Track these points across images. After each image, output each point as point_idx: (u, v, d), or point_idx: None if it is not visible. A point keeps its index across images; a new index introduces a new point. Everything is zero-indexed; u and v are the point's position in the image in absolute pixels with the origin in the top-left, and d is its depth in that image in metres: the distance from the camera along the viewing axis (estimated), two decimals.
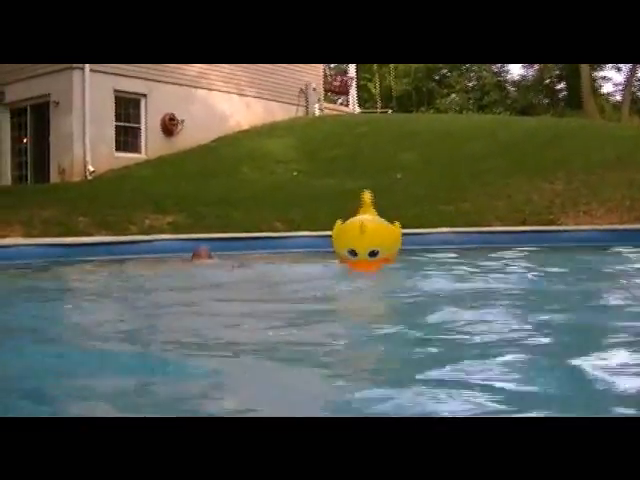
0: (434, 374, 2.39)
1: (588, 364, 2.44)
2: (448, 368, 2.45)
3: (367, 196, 6.16)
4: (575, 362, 2.47)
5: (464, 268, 6.54)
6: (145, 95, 18.59)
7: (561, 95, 36.68)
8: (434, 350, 2.87)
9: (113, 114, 17.93)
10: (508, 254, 8.15)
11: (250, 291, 5.36)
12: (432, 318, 3.63)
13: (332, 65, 31.42)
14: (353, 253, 5.96)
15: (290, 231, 10.78)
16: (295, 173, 16.64)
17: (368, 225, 5.89)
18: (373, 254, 5.92)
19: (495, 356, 2.61)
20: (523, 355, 2.66)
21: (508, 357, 2.60)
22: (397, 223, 6.11)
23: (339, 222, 6.15)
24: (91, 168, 16.97)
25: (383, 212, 6.24)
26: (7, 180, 18.62)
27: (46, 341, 3.22)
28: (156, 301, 4.77)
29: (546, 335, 3.12)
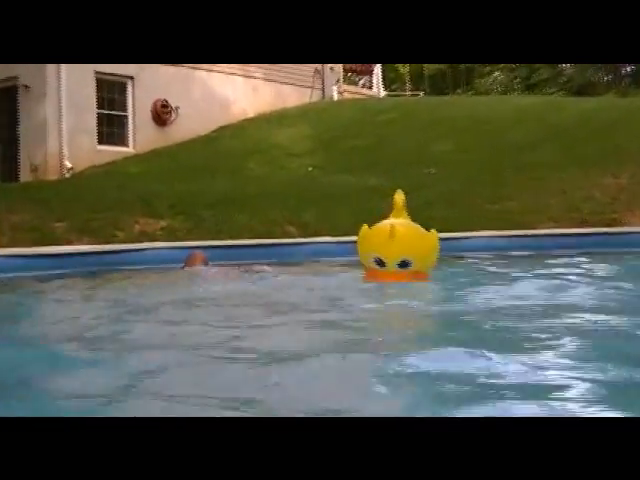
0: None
1: None
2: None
3: (399, 198, 6.07)
4: None
5: (514, 279, 6.50)
6: (132, 78, 18.66)
7: (626, 71, 36.54)
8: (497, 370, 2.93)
9: (95, 100, 18.02)
10: (567, 261, 8.09)
11: (257, 305, 5.39)
12: (488, 336, 3.66)
13: None
14: (380, 263, 5.90)
15: (304, 236, 10.82)
16: (310, 168, 16.70)
17: (399, 229, 5.82)
18: (404, 265, 5.85)
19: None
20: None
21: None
22: (434, 230, 6.00)
23: (365, 225, 6.09)
24: (69, 164, 17.04)
25: (412, 214, 6.20)
26: None
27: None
28: (164, 318, 4.82)
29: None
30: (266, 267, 7.66)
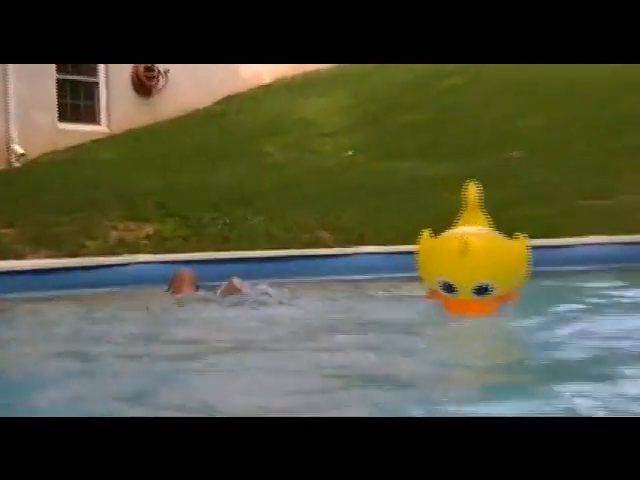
0: None
1: None
2: None
3: (472, 192, 5.98)
4: None
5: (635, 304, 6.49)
6: None
7: None
8: None
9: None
10: None
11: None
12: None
13: None
14: (449, 288, 5.91)
15: (343, 245, 10.81)
16: (349, 152, 16.72)
17: (474, 242, 5.77)
18: (482, 291, 5.83)
19: None
20: None
21: None
22: (522, 237, 5.90)
23: (427, 233, 6.05)
24: (19, 149, 17.06)
25: (489, 215, 6.16)
26: None
27: None
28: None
29: None
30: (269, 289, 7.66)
